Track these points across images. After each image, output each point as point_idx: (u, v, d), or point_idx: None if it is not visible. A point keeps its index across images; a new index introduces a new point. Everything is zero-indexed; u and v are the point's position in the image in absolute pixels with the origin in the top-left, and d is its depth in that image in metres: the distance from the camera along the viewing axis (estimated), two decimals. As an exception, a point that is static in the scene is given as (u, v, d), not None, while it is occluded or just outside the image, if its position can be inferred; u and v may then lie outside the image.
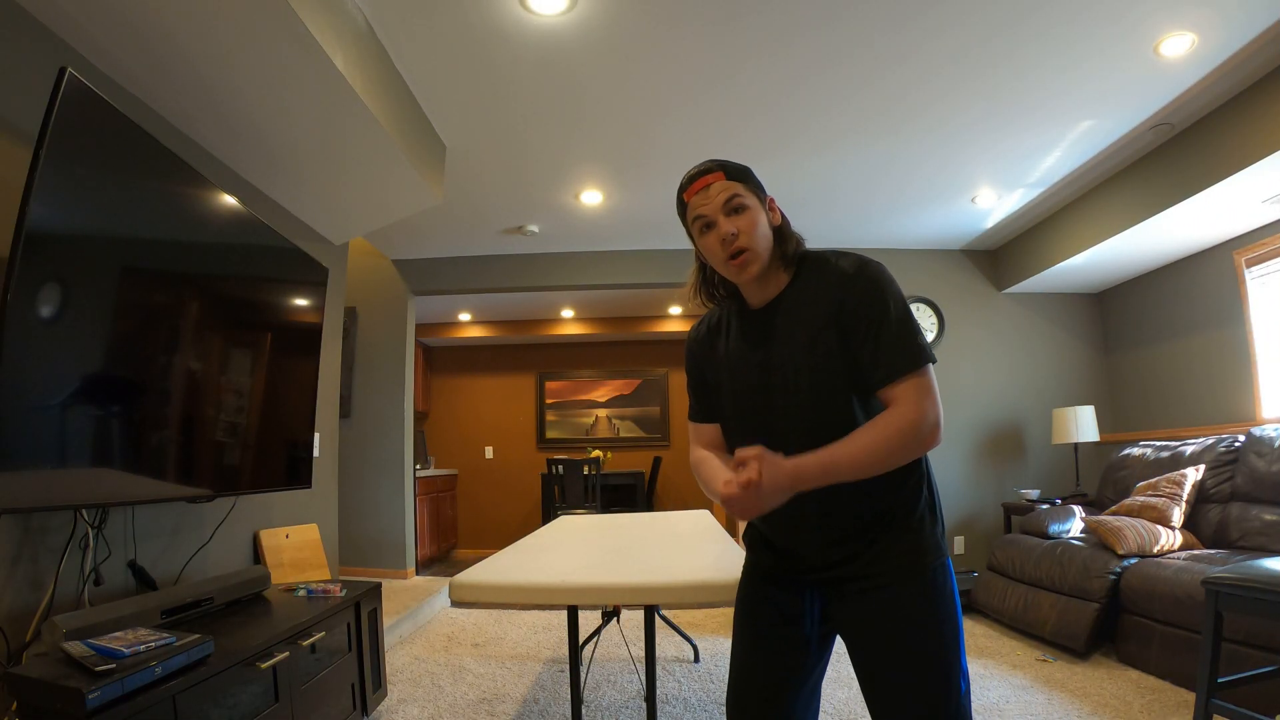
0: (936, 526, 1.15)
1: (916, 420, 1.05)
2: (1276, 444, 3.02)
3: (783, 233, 1.19)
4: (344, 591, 2.32)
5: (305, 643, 1.95)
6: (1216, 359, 3.85)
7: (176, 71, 2.03)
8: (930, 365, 1.09)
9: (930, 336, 4.87)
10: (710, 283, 1.28)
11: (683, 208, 1.20)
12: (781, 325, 1.17)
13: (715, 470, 1.23)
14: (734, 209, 1.14)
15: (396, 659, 3.25)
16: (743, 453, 1.04)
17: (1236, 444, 3.27)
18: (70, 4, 1.72)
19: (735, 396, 1.23)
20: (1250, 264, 3.62)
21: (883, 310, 1.09)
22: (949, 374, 4.82)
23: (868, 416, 1.11)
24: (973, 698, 1.13)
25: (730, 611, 4.33)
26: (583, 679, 2.89)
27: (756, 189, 1.18)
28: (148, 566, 2.02)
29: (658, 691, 2.40)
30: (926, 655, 1.09)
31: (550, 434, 7.48)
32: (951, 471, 4.74)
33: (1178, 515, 3.12)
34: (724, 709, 2.56)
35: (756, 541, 1.29)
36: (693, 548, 2.03)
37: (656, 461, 6.90)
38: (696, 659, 3.20)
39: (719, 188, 1.15)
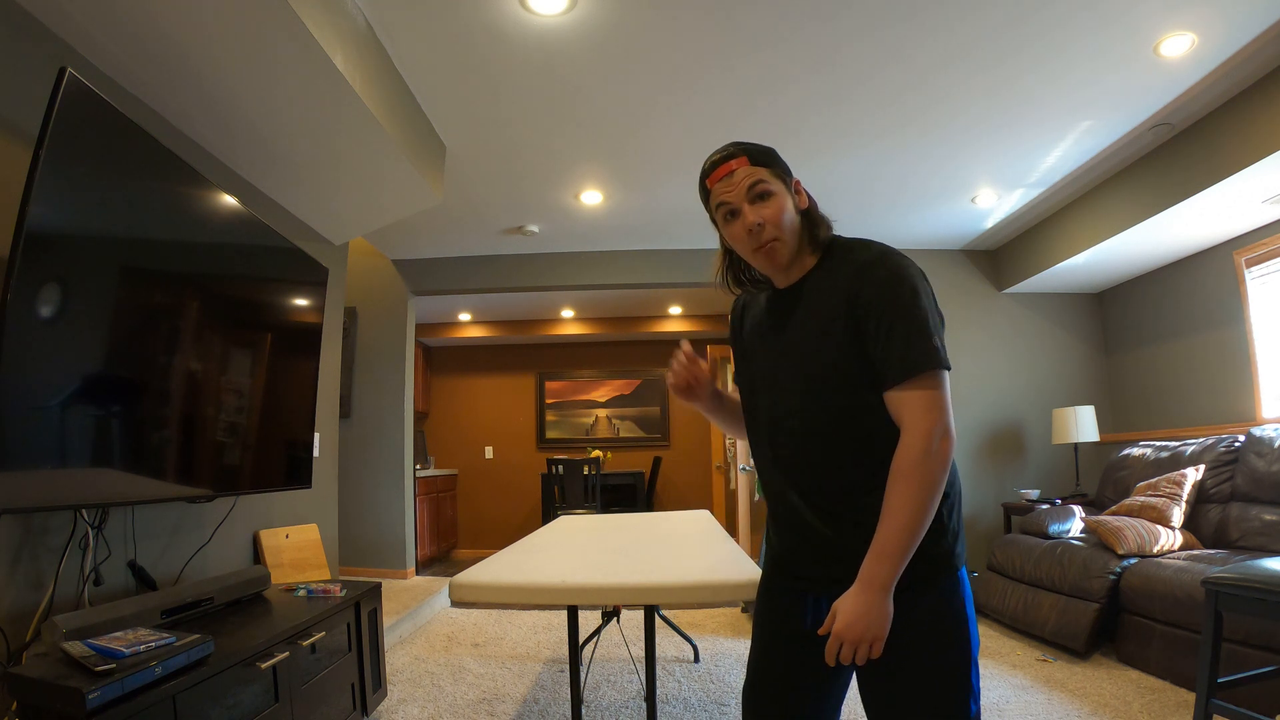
0: (945, 538, 1.08)
1: (923, 449, 1.00)
2: (1276, 444, 3.02)
3: (811, 215, 1.15)
4: (344, 591, 2.32)
5: (305, 643, 1.95)
6: (1216, 359, 3.85)
7: (176, 71, 2.03)
8: (944, 372, 1.03)
9: (930, 336, 4.87)
10: (737, 267, 1.24)
11: (705, 194, 1.15)
12: (800, 311, 1.14)
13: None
14: (759, 195, 1.10)
15: (396, 659, 3.25)
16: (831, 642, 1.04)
17: (1236, 444, 3.27)
18: (70, 4, 1.72)
19: (756, 374, 1.22)
20: (1250, 264, 3.62)
21: (895, 305, 1.04)
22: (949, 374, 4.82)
23: (872, 416, 1.07)
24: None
25: (731, 611, 4.33)
26: (583, 679, 2.89)
27: (782, 173, 1.13)
28: (148, 566, 2.02)
29: (658, 691, 2.40)
30: (927, 675, 1.05)
31: (550, 434, 7.48)
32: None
33: (1178, 515, 3.12)
34: (723, 709, 2.57)
35: (773, 541, 1.25)
36: (693, 548, 2.03)
37: (656, 461, 6.90)
38: (696, 659, 3.20)
39: (743, 174, 1.10)
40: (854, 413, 1.08)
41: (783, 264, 1.13)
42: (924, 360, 1.02)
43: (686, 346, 1.31)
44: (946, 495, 1.09)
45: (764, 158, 1.13)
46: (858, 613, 1.00)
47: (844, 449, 1.10)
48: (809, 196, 1.17)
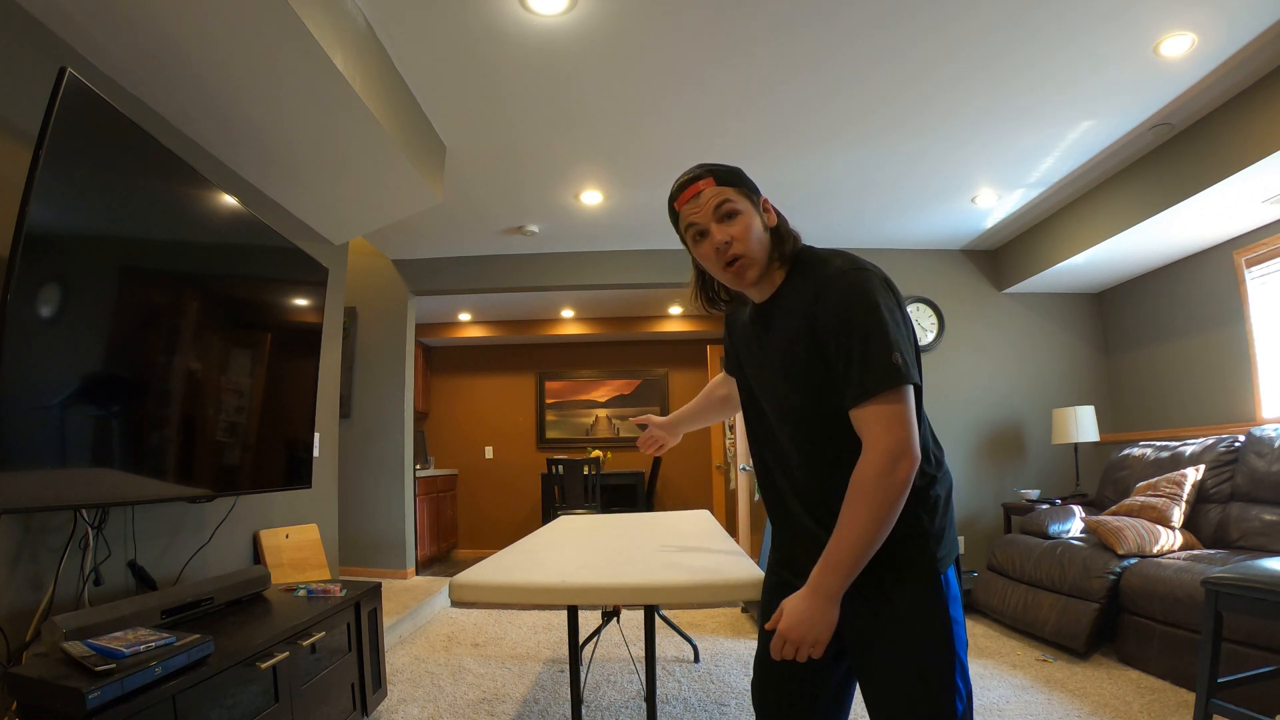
0: (928, 543, 1.08)
1: (879, 469, 1.00)
2: (1276, 444, 3.02)
3: (779, 232, 1.16)
4: (344, 591, 2.32)
5: (305, 643, 1.95)
6: (1216, 359, 3.85)
7: (176, 71, 2.03)
8: (904, 388, 1.01)
9: (930, 337, 4.87)
10: (710, 287, 1.26)
11: (674, 216, 1.18)
12: (774, 328, 1.17)
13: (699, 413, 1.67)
14: (725, 215, 1.12)
15: (396, 659, 3.25)
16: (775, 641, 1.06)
17: (1236, 444, 3.26)
18: (70, 4, 1.72)
19: (749, 385, 1.26)
20: (1250, 264, 3.62)
21: (851, 325, 1.03)
22: (949, 374, 4.83)
23: (847, 428, 1.07)
24: (974, 698, 1.12)
25: (731, 611, 4.32)
26: (583, 679, 2.89)
27: (748, 192, 1.15)
28: (148, 566, 2.02)
29: (658, 691, 2.40)
30: (908, 677, 1.07)
31: (550, 434, 7.48)
32: (952, 472, 4.73)
33: (1178, 515, 3.12)
34: (723, 709, 2.57)
35: (775, 540, 1.29)
36: (693, 548, 2.03)
37: (656, 462, 6.87)
38: (696, 659, 3.20)
39: (710, 194, 1.12)
40: (830, 425, 1.10)
41: (751, 281, 1.15)
42: (882, 379, 1.01)
43: (635, 425, 1.69)
44: (929, 498, 1.10)
45: (730, 177, 1.15)
46: (800, 616, 1.03)
47: (826, 459, 1.12)
48: (777, 213, 1.19)
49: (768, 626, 1.09)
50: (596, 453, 6.78)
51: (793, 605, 1.05)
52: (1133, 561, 2.94)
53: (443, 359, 7.65)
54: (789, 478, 1.18)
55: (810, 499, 1.16)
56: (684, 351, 7.53)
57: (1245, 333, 3.64)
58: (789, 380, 1.13)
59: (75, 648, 1.37)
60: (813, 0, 2.26)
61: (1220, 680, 1.98)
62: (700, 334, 7.20)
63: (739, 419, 4.93)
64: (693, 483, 7.28)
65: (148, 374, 1.79)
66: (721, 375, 1.57)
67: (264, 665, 1.72)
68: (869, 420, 1.03)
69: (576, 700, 1.78)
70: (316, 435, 3.02)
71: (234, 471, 2.21)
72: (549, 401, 7.54)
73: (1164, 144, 3.27)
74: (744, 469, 5.03)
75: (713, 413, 1.65)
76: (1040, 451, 4.82)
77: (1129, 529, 3.03)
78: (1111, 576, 2.92)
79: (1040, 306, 4.94)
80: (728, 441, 6.14)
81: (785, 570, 1.24)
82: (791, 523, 1.20)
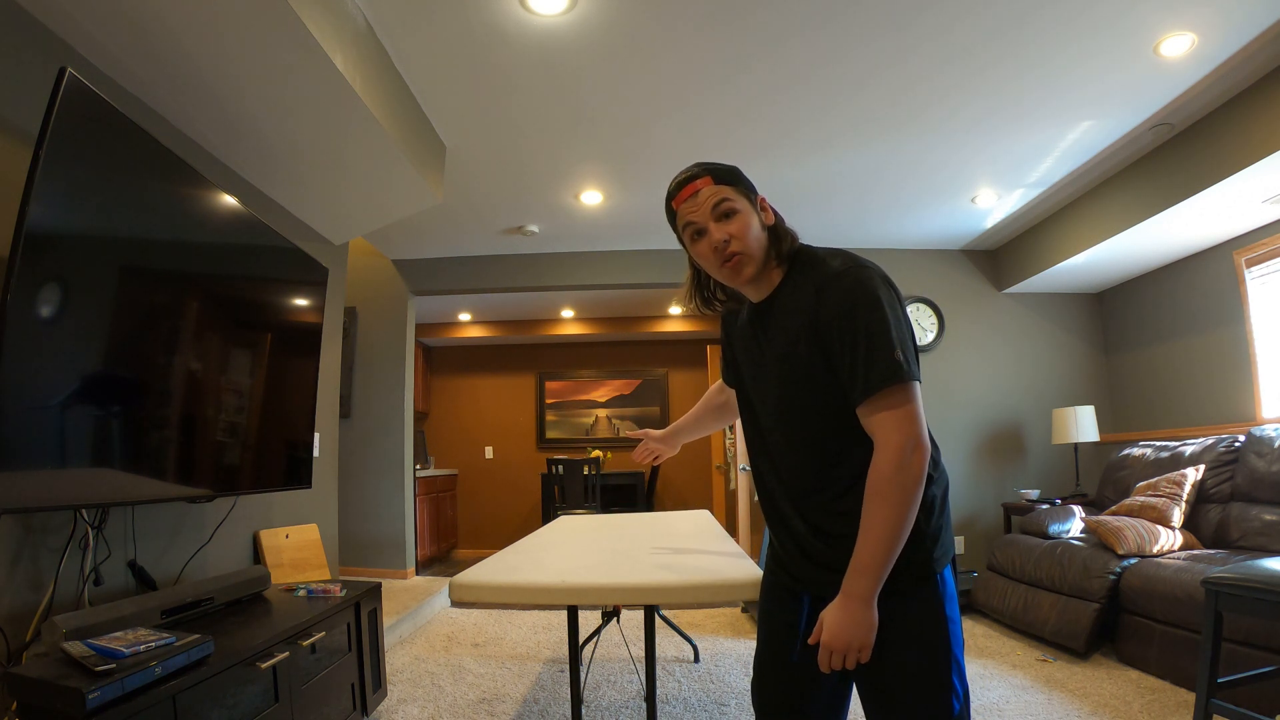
0: (924, 543, 1.08)
1: (894, 465, 1.00)
2: (1276, 444, 3.02)
3: (776, 231, 1.16)
4: (344, 591, 2.32)
5: (305, 643, 1.95)
6: (1216, 359, 3.85)
7: (177, 71, 2.03)
8: (911, 384, 1.02)
9: (930, 337, 4.87)
10: (705, 287, 1.26)
11: (672, 215, 1.18)
12: (772, 328, 1.16)
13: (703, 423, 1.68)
14: (724, 214, 1.12)
15: (396, 659, 3.25)
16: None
17: (1236, 444, 3.26)
18: (70, 4, 1.72)
19: (745, 386, 1.26)
20: (1250, 264, 3.62)
21: (854, 323, 1.04)
22: (949, 374, 4.82)
23: (847, 429, 1.08)
24: (973, 698, 1.12)
25: (731, 611, 4.32)
26: (583, 679, 2.89)
27: (746, 190, 1.15)
28: (148, 566, 2.02)
29: (658, 691, 2.40)
30: (906, 677, 1.08)
31: (550, 434, 7.48)
32: (952, 471, 4.70)
33: (1178, 515, 3.12)
34: (723, 709, 2.57)
35: (771, 540, 1.29)
36: (693, 548, 2.03)
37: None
38: (696, 659, 3.20)
39: (708, 193, 1.12)
40: (828, 426, 1.10)
41: (748, 278, 1.14)
42: (887, 376, 1.02)
43: (632, 436, 1.78)
44: (926, 498, 1.09)
45: (728, 176, 1.14)
46: (841, 623, 1.04)
47: (823, 460, 1.12)
48: (775, 212, 1.18)
49: (810, 641, 1.08)
50: (596, 453, 6.78)
51: (830, 616, 1.05)
52: (1133, 561, 2.94)
53: (443, 359, 7.65)
54: (782, 481, 1.18)
55: (802, 501, 1.16)
56: (684, 351, 7.54)
57: (1245, 333, 3.64)
58: (786, 379, 1.13)
59: (75, 648, 1.37)
60: (815, 3, 2.26)
61: (1220, 680, 1.98)
62: (700, 334, 7.20)
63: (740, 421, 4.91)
64: (693, 483, 7.28)
65: (148, 374, 1.79)
66: (719, 383, 1.57)
67: (264, 665, 1.72)
68: (877, 418, 1.03)
69: (576, 700, 1.78)
70: (316, 435, 3.02)
71: (234, 471, 2.21)
72: (549, 401, 7.54)
73: (1164, 144, 3.27)
74: (744, 469, 5.03)
75: (710, 421, 1.65)
76: (1040, 451, 4.82)
77: (1129, 529, 3.03)
78: (1111, 576, 2.92)
79: (1040, 306, 4.94)
80: (728, 442, 6.14)
81: (782, 571, 1.24)
82: (784, 524, 1.20)
